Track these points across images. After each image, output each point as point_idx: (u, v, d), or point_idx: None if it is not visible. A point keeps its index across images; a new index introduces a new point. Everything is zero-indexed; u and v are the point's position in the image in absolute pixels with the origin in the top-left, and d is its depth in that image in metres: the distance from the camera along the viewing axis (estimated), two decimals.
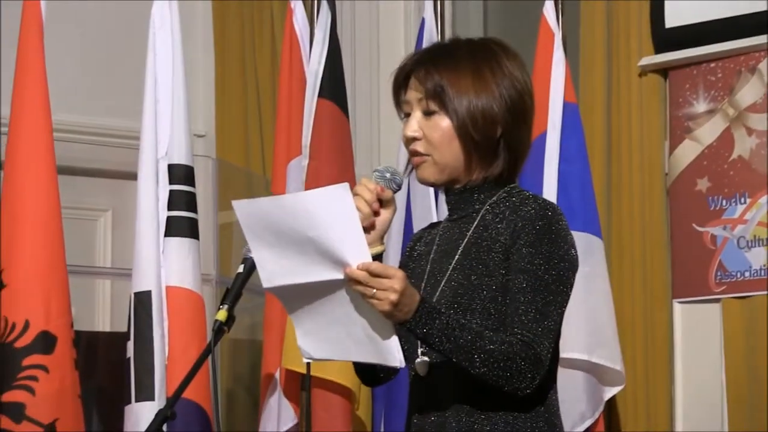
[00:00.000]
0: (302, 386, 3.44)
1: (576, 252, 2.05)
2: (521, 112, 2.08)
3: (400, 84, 2.11)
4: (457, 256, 2.07)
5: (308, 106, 3.50)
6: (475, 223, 2.07)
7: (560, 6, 3.53)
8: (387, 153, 4.23)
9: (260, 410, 3.51)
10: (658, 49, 3.67)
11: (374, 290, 1.90)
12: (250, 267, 2.08)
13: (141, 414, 3.08)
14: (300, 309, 1.99)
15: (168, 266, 3.20)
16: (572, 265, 2.04)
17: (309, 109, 3.50)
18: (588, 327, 3.34)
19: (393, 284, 1.90)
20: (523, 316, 1.98)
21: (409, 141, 2.08)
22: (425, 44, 3.47)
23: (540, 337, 1.98)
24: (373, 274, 1.90)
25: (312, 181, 3.45)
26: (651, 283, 3.62)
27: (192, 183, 3.29)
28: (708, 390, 3.55)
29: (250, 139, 4.43)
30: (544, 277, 2.00)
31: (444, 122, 2.06)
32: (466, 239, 2.07)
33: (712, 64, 3.60)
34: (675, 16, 3.63)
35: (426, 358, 2.05)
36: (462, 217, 2.10)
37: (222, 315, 2.04)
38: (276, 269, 1.96)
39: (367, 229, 2.02)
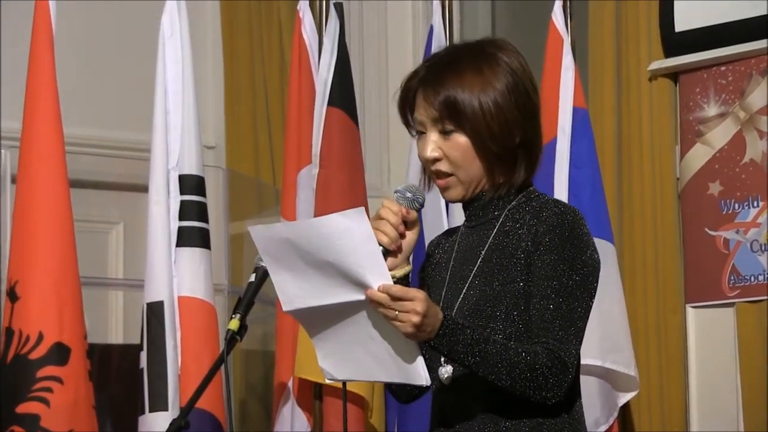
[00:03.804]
0: (315, 395, 3.43)
1: (598, 255, 2.04)
2: (531, 109, 2.07)
3: (407, 102, 2.09)
4: (478, 263, 2.05)
5: (318, 114, 3.50)
6: (495, 229, 2.06)
7: (569, 10, 3.53)
8: (397, 160, 4.23)
9: (273, 419, 3.51)
10: (668, 53, 3.66)
11: (396, 312, 1.89)
12: (262, 276, 2.08)
13: (155, 424, 3.08)
14: (321, 331, 1.98)
15: (180, 276, 3.20)
16: (595, 270, 2.03)
17: (318, 118, 3.50)
18: (601, 332, 3.33)
19: (415, 306, 1.89)
20: (548, 324, 1.97)
21: (429, 162, 2.07)
22: (434, 50, 3.46)
23: (566, 344, 1.97)
24: (394, 297, 1.88)
25: (322, 190, 3.45)
26: (664, 287, 3.61)
27: (203, 193, 3.29)
28: (723, 395, 3.53)
29: (259, 148, 4.43)
30: (568, 284, 1.99)
31: (462, 140, 2.04)
32: (486, 246, 2.06)
33: (723, 68, 3.59)
34: (684, 20, 3.62)
35: (449, 368, 2.04)
36: (481, 223, 2.09)
37: (234, 324, 2.04)
38: (297, 292, 1.95)
39: (395, 252, 2.01)
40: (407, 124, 2.10)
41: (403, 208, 2.02)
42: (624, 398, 3.42)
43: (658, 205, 3.64)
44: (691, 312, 3.62)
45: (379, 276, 1.89)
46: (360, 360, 1.98)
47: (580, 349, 2.01)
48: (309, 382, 3.40)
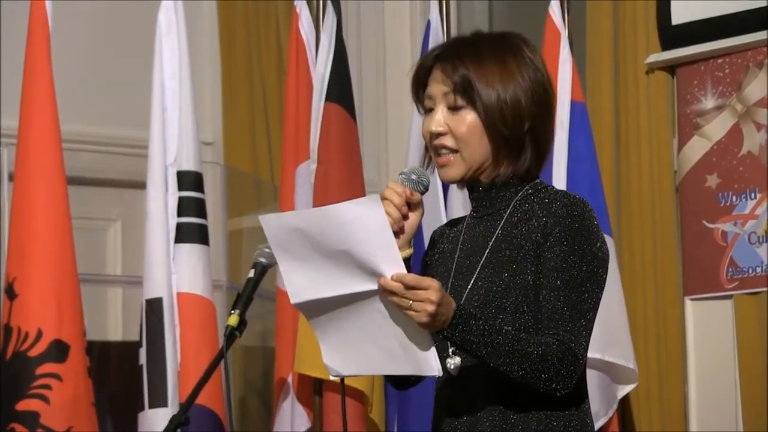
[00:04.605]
0: (315, 390, 3.44)
1: (606, 247, 2.04)
2: (547, 104, 2.07)
3: (421, 79, 2.08)
4: (486, 255, 2.04)
5: (315, 110, 3.50)
6: (503, 220, 2.05)
7: (566, 5, 3.53)
8: (395, 155, 4.23)
9: (273, 415, 3.51)
10: (665, 46, 3.66)
11: (410, 302, 1.87)
12: (261, 272, 2.08)
13: (155, 420, 3.09)
14: (327, 325, 1.95)
15: (179, 273, 3.21)
16: (604, 262, 2.03)
17: (316, 113, 3.50)
18: (600, 326, 3.26)
19: (429, 295, 1.87)
20: (557, 315, 1.97)
21: (433, 136, 2.05)
22: (431, 46, 3.46)
23: (576, 336, 1.97)
24: (408, 286, 1.87)
25: (321, 185, 3.45)
26: (662, 280, 3.62)
27: (201, 189, 3.29)
28: (722, 386, 3.54)
29: (257, 144, 4.43)
30: (578, 275, 1.99)
31: (471, 117, 2.03)
32: (494, 237, 2.05)
33: (720, 60, 3.60)
34: (681, 13, 3.62)
35: (458, 358, 2.02)
36: (488, 214, 2.08)
37: (233, 320, 2.04)
38: (305, 283, 1.92)
39: (397, 233, 1.99)
40: (417, 101, 2.09)
41: (407, 189, 2.01)
42: (623, 391, 3.43)
43: (656, 198, 3.65)
44: (689, 304, 3.62)
45: (393, 265, 1.86)
46: (367, 354, 1.95)
47: (589, 341, 2.01)
48: (309, 378, 3.40)
